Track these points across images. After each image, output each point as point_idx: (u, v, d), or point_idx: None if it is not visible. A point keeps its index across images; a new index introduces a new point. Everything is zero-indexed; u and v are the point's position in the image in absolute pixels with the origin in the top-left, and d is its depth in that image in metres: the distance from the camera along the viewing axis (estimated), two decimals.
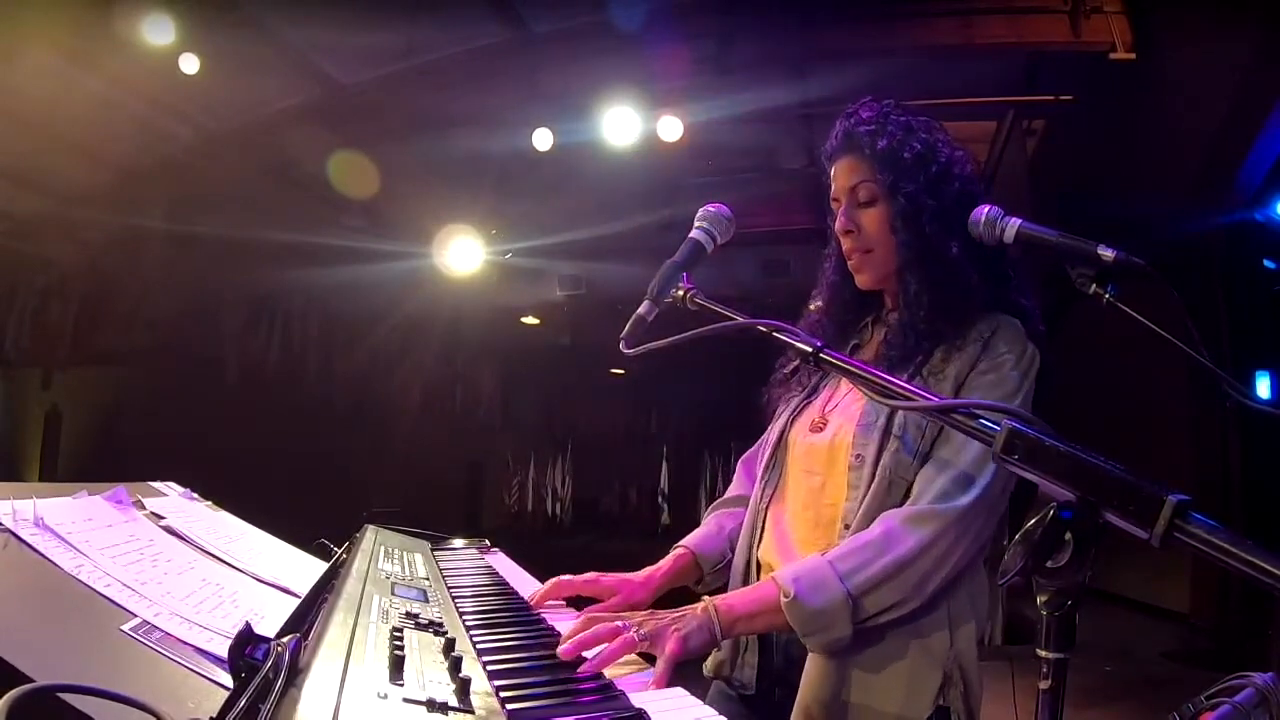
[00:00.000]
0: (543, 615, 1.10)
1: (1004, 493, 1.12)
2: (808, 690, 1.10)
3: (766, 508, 1.28)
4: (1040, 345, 1.18)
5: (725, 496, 1.45)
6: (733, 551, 1.33)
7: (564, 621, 1.07)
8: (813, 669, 1.11)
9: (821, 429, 1.23)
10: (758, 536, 1.27)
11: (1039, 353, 1.17)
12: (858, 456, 1.16)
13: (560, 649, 0.89)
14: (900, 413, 1.12)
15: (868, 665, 1.10)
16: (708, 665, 1.28)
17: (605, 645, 0.91)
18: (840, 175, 1.24)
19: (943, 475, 1.09)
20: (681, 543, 1.35)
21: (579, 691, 0.81)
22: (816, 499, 1.21)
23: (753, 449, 1.44)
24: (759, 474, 1.33)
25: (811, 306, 1.36)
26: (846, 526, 1.14)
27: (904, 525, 1.07)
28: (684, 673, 0.94)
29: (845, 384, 1.25)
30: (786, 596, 1.04)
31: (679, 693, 0.78)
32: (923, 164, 1.19)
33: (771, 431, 1.34)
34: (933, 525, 1.06)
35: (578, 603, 1.19)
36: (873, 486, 1.13)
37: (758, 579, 1.24)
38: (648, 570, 1.28)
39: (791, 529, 1.23)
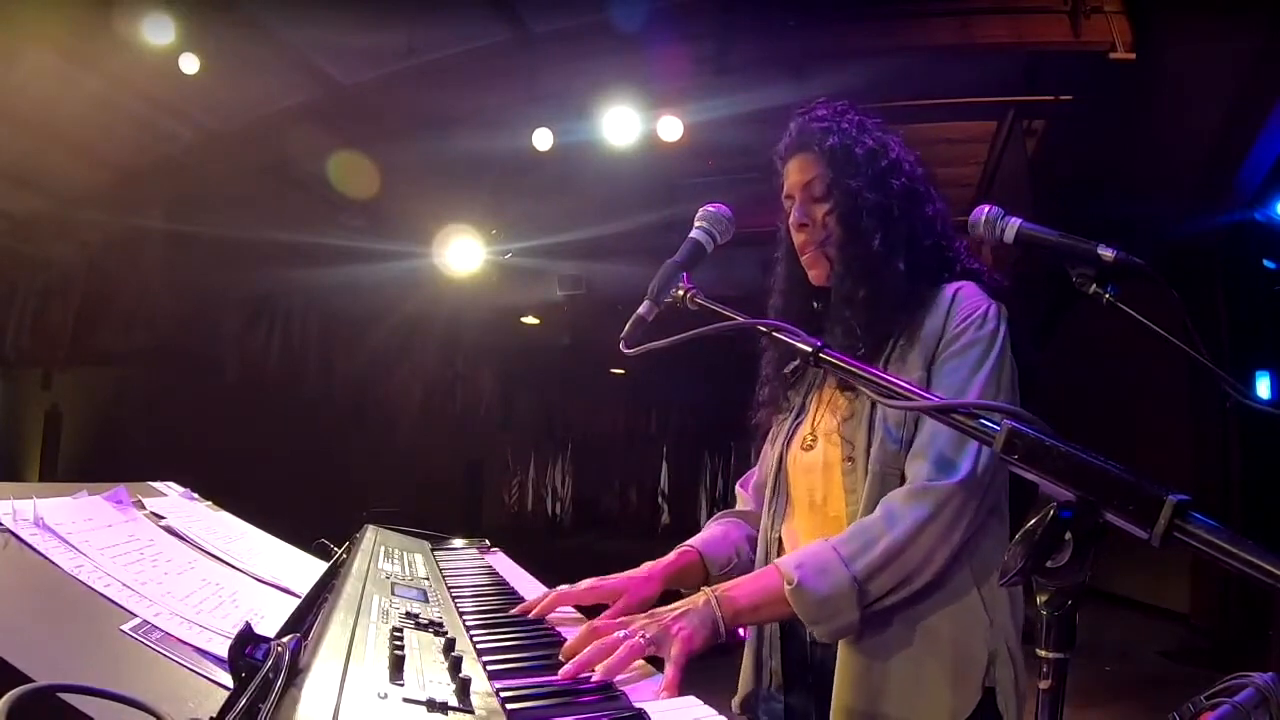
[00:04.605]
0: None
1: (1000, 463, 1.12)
2: (842, 694, 1.08)
3: (779, 536, 1.27)
4: (1002, 297, 1.19)
5: (728, 510, 1.43)
6: (739, 557, 1.32)
7: (567, 624, 1.07)
8: (844, 673, 1.09)
9: (813, 446, 1.24)
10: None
11: (1002, 304, 1.17)
12: (848, 459, 1.16)
13: (562, 672, 0.84)
14: (880, 405, 1.12)
15: (909, 662, 1.08)
16: (736, 702, 1.27)
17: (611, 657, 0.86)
18: (794, 172, 1.26)
19: (932, 452, 1.09)
20: (687, 543, 1.31)
21: (579, 691, 0.81)
22: (820, 514, 1.21)
23: (748, 474, 1.44)
24: (764, 501, 1.32)
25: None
26: None
27: (903, 504, 1.07)
28: (693, 677, 0.90)
29: (828, 398, 1.26)
30: (790, 584, 1.03)
31: (692, 701, 0.75)
32: (872, 160, 1.21)
33: (769, 458, 1.33)
34: (930, 500, 1.06)
35: (587, 610, 1.15)
36: (867, 484, 1.13)
37: None
38: (649, 565, 1.22)
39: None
